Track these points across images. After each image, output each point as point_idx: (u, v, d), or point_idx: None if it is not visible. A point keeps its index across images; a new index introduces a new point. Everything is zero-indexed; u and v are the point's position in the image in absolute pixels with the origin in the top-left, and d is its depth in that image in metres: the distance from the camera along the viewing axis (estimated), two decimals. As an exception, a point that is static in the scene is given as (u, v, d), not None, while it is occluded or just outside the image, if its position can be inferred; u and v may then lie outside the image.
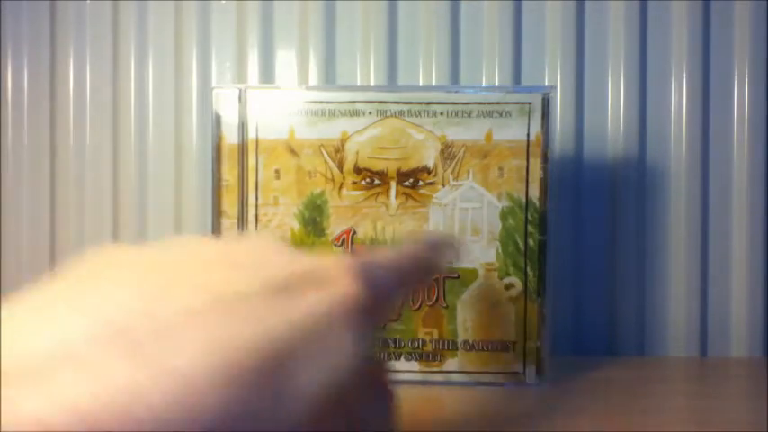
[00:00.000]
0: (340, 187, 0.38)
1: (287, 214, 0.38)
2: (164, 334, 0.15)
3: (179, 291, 0.17)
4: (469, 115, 0.38)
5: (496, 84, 0.50)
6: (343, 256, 0.20)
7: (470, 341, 0.38)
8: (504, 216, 0.38)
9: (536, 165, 0.38)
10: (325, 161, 0.38)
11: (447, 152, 0.38)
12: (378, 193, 0.38)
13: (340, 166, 0.38)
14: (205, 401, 0.15)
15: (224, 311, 0.16)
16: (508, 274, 0.38)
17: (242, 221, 0.38)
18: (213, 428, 0.15)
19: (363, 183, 0.38)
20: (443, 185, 0.38)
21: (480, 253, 0.38)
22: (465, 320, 0.38)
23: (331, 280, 0.19)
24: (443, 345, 0.38)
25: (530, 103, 0.38)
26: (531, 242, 0.38)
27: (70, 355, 0.15)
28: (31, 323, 0.16)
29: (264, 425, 0.16)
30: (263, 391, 0.16)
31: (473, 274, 0.38)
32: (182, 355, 0.15)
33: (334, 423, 0.19)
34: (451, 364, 0.38)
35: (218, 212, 0.38)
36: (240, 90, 0.38)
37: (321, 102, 0.38)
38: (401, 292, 0.23)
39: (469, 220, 0.38)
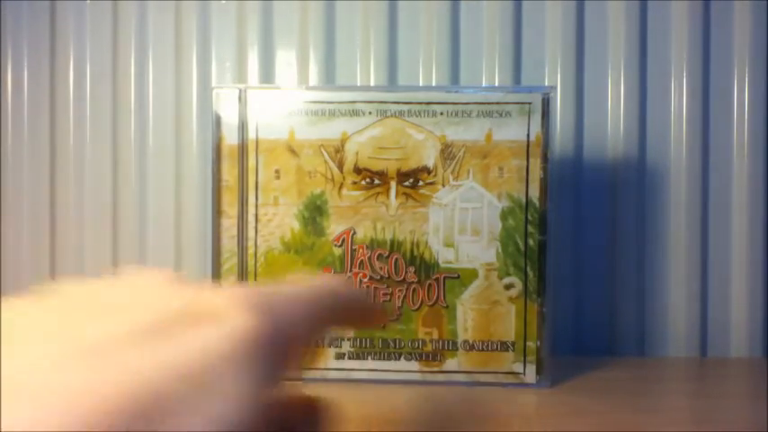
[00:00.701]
0: (340, 187, 0.38)
1: (287, 214, 0.38)
2: (24, 387, 0.14)
3: (43, 342, 0.16)
4: (469, 115, 0.38)
5: (496, 84, 0.50)
6: (238, 288, 0.18)
7: (470, 341, 0.38)
8: (504, 216, 0.38)
9: (536, 165, 0.38)
10: (326, 161, 0.38)
11: (447, 152, 0.38)
12: (378, 193, 0.38)
13: (340, 167, 0.38)
14: None
15: (89, 361, 0.15)
16: (508, 274, 0.38)
17: (242, 221, 0.38)
18: None
19: (363, 183, 0.38)
20: (443, 185, 0.38)
21: (480, 253, 0.38)
22: (465, 320, 0.38)
23: (220, 314, 0.17)
24: (443, 345, 0.38)
25: (530, 103, 0.38)
26: (531, 242, 0.38)
27: None
28: None
29: None
30: None
31: (473, 274, 0.38)
32: (45, 408, 0.14)
33: None
34: (451, 364, 0.38)
35: (218, 212, 0.38)
36: (240, 90, 0.38)
37: (321, 102, 0.38)
38: (313, 325, 0.20)
39: (469, 220, 0.38)
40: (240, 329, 0.16)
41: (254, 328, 0.17)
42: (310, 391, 0.21)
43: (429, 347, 0.38)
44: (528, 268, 0.38)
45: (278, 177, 0.38)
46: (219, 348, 0.16)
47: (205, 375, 0.16)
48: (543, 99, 0.38)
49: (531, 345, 0.38)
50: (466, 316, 0.38)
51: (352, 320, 0.23)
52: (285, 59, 0.51)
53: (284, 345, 0.18)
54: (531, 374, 0.38)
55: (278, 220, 0.38)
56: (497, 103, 0.38)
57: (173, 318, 0.16)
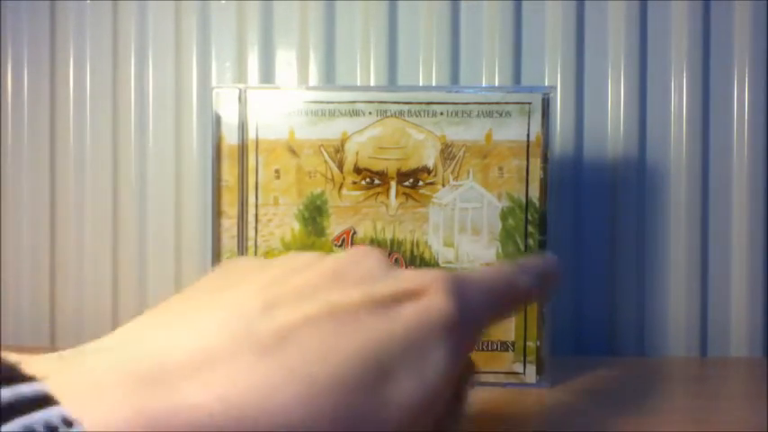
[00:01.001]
0: (340, 187, 0.38)
1: (287, 214, 0.38)
2: (285, 337, 0.17)
3: (295, 299, 0.19)
4: (469, 115, 0.38)
5: (496, 84, 0.50)
6: (439, 272, 0.21)
7: (470, 341, 0.38)
8: (504, 216, 0.38)
9: (536, 165, 0.38)
10: (326, 161, 0.38)
11: (447, 152, 0.38)
12: (378, 193, 0.38)
13: (340, 166, 0.38)
14: (326, 404, 0.16)
15: (336, 321, 0.18)
16: (508, 274, 0.38)
17: (242, 221, 0.38)
18: (332, 429, 0.16)
19: (363, 183, 0.38)
20: (443, 185, 0.38)
21: (480, 253, 0.38)
22: (465, 320, 0.38)
23: (427, 294, 0.20)
24: (443, 345, 0.38)
25: (530, 103, 0.38)
26: (531, 242, 0.38)
27: (207, 355, 0.16)
28: (167, 327, 0.18)
29: (369, 428, 0.17)
30: (369, 397, 0.17)
31: (473, 274, 0.38)
32: (306, 359, 0.17)
33: (425, 429, 0.20)
34: (451, 364, 0.38)
35: (218, 212, 0.38)
36: (240, 90, 0.38)
37: (321, 102, 0.38)
38: (491, 316, 0.23)
39: (469, 220, 0.38)
40: (442, 310, 0.20)
41: (450, 309, 0.20)
42: None
43: (429, 347, 0.38)
44: (528, 268, 0.38)
45: (278, 177, 0.38)
46: (429, 323, 0.19)
47: (417, 344, 0.19)
48: (543, 99, 0.38)
49: (531, 345, 0.38)
50: (466, 316, 0.38)
51: (522, 305, 0.28)
52: (285, 59, 0.51)
53: (468, 329, 0.21)
54: (531, 374, 0.38)
55: (278, 220, 0.38)
56: (497, 103, 0.38)
57: (397, 292, 0.20)
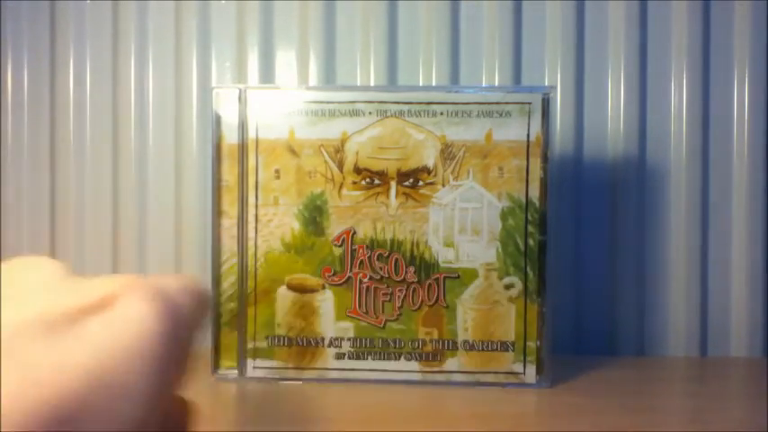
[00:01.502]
0: (340, 187, 0.38)
1: (287, 214, 0.38)
2: None
3: None
4: (469, 115, 0.38)
5: (496, 84, 0.50)
6: (132, 276, 0.17)
7: (470, 341, 0.38)
8: (504, 216, 0.38)
9: (536, 165, 0.38)
10: (325, 161, 0.38)
11: (447, 152, 0.38)
12: (378, 193, 0.38)
13: (340, 166, 0.38)
14: None
15: None
16: (508, 274, 0.38)
17: (242, 221, 0.38)
18: None
19: (363, 183, 0.38)
20: (443, 185, 0.38)
21: (480, 253, 0.38)
22: (465, 320, 0.38)
23: (122, 306, 0.16)
24: (443, 345, 0.38)
25: (530, 103, 0.38)
26: (531, 242, 0.38)
27: None
28: None
29: None
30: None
31: (473, 273, 0.38)
32: None
33: None
34: (451, 364, 0.38)
35: (218, 212, 0.38)
36: (240, 90, 0.38)
37: (321, 102, 0.38)
38: (198, 320, 0.19)
39: (469, 220, 0.38)
40: (142, 316, 0.16)
41: (155, 319, 0.16)
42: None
43: (429, 347, 0.38)
44: (528, 268, 0.38)
45: (278, 177, 0.38)
46: (123, 343, 0.15)
47: (109, 373, 0.15)
48: (543, 99, 0.38)
49: (531, 345, 0.38)
50: (466, 316, 0.38)
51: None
52: (285, 59, 0.51)
53: (183, 337, 0.17)
54: (531, 374, 0.38)
55: (278, 220, 0.38)
56: (497, 103, 0.38)
57: (73, 310, 0.15)
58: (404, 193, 0.38)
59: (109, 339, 0.15)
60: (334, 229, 0.38)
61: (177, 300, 0.17)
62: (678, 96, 0.50)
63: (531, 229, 0.38)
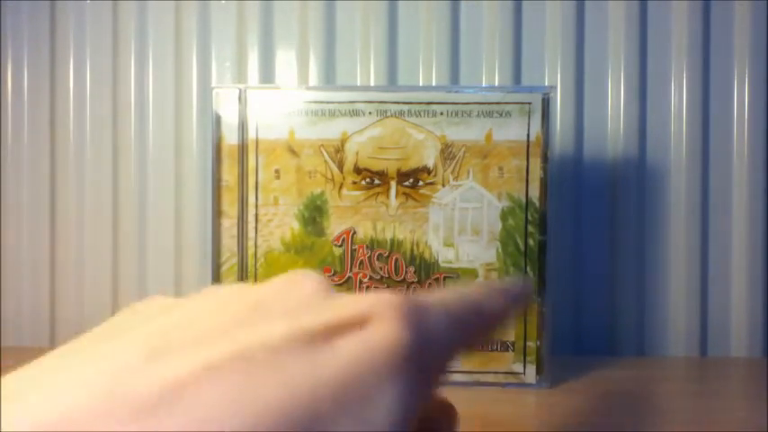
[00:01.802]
0: (340, 187, 0.38)
1: (287, 214, 0.38)
2: (174, 394, 0.13)
3: (194, 346, 0.15)
4: (469, 115, 0.38)
5: (496, 84, 0.50)
6: (389, 295, 0.17)
7: (470, 341, 0.38)
8: (504, 216, 0.38)
9: (536, 165, 0.38)
10: (326, 161, 0.38)
11: (447, 152, 0.38)
12: (378, 193, 0.38)
13: (340, 166, 0.38)
14: None
15: (246, 367, 0.14)
16: (508, 274, 0.38)
17: (242, 221, 0.38)
18: None
19: (363, 183, 0.38)
20: (443, 185, 0.38)
21: (480, 253, 0.38)
22: (465, 320, 0.38)
23: (373, 322, 0.16)
24: (443, 345, 0.38)
25: (530, 103, 0.38)
26: (531, 242, 0.38)
27: (69, 424, 0.13)
28: (32, 394, 0.14)
29: None
30: None
31: (473, 273, 0.38)
32: (203, 418, 0.13)
33: None
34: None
35: (218, 212, 0.38)
36: (240, 90, 0.38)
37: (321, 102, 0.38)
38: (456, 346, 0.19)
39: (469, 220, 0.38)
40: (394, 340, 0.16)
41: (406, 339, 0.16)
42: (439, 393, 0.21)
43: (429, 347, 0.38)
44: (528, 268, 0.38)
45: (278, 177, 0.38)
46: (374, 358, 0.15)
47: (357, 387, 0.15)
48: (543, 99, 0.38)
49: (531, 345, 0.38)
50: (466, 316, 0.38)
51: (491, 334, 0.23)
52: (285, 59, 0.51)
53: (433, 361, 0.17)
54: (531, 374, 0.38)
55: (278, 220, 0.38)
56: (497, 103, 0.38)
57: (333, 325, 0.16)
58: (404, 193, 0.38)
59: (360, 355, 0.15)
60: (334, 229, 0.38)
61: (434, 325, 0.17)
62: (678, 96, 0.50)
63: (531, 229, 0.38)
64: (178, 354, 0.14)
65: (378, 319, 0.16)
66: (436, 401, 0.21)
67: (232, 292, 0.18)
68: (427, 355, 0.17)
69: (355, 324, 0.16)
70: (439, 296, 0.19)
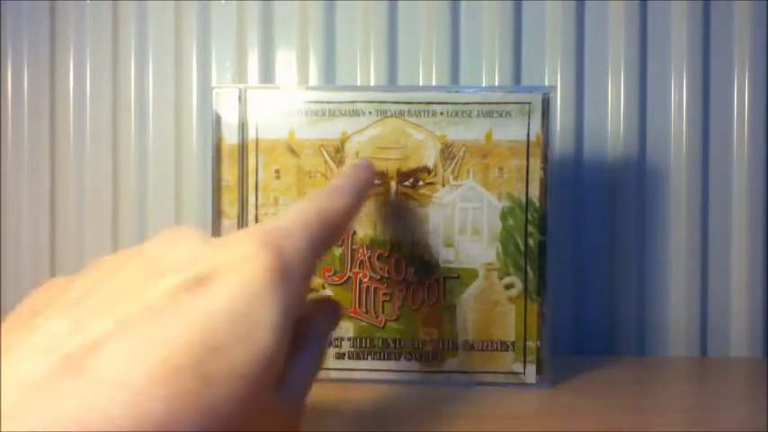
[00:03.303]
0: (340, 187, 0.38)
1: (287, 214, 0.38)
2: (97, 348, 0.17)
3: (107, 306, 0.18)
4: (469, 115, 0.38)
5: (496, 84, 0.50)
6: (253, 231, 0.21)
7: (470, 341, 0.38)
8: (504, 216, 0.38)
9: (536, 165, 0.38)
10: (326, 161, 0.38)
11: (447, 152, 0.38)
12: (378, 193, 0.38)
13: (340, 166, 0.38)
14: (153, 406, 0.16)
15: (153, 315, 0.18)
16: (508, 274, 0.38)
17: (242, 221, 0.38)
18: (168, 428, 0.16)
19: (363, 183, 0.38)
20: (443, 185, 0.38)
21: (480, 253, 0.38)
22: (465, 320, 0.38)
23: (245, 258, 0.20)
24: (443, 345, 0.38)
25: (530, 103, 0.38)
26: (531, 242, 0.38)
27: (25, 389, 0.16)
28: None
29: (207, 410, 0.17)
30: (199, 381, 0.17)
31: (473, 274, 0.38)
32: (121, 365, 0.16)
33: (267, 393, 0.20)
34: (451, 364, 0.38)
35: (218, 212, 0.38)
36: (240, 90, 0.38)
37: (321, 102, 0.38)
38: (315, 250, 0.23)
39: (469, 220, 0.38)
40: (260, 264, 0.20)
41: (269, 260, 0.20)
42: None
43: (429, 347, 0.38)
44: (528, 268, 0.38)
45: (278, 177, 0.38)
46: (251, 287, 0.19)
47: (244, 314, 0.19)
48: (543, 99, 0.38)
49: (531, 345, 0.38)
50: (466, 316, 0.38)
51: (346, 224, 0.26)
52: (285, 59, 0.51)
53: (296, 269, 0.21)
54: (531, 374, 0.38)
55: (278, 220, 0.38)
56: (497, 103, 0.38)
57: (212, 265, 0.19)
58: (404, 193, 0.38)
59: (240, 284, 0.19)
60: (334, 229, 0.38)
61: (290, 240, 0.21)
62: (678, 96, 0.50)
63: (531, 229, 0.38)
64: (94, 318, 0.18)
65: (247, 256, 0.20)
66: (314, 301, 0.25)
67: (123, 258, 0.21)
68: (293, 270, 0.21)
69: (232, 264, 0.20)
70: (291, 216, 0.23)
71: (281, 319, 0.19)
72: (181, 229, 0.22)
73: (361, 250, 0.38)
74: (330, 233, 0.24)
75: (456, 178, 0.38)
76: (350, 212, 0.26)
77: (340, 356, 0.38)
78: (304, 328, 0.24)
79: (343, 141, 0.38)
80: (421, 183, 0.38)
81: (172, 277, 0.19)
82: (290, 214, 0.23)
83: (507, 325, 0.38)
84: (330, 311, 0.27)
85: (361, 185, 0.28)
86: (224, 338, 0.18)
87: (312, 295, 0.24)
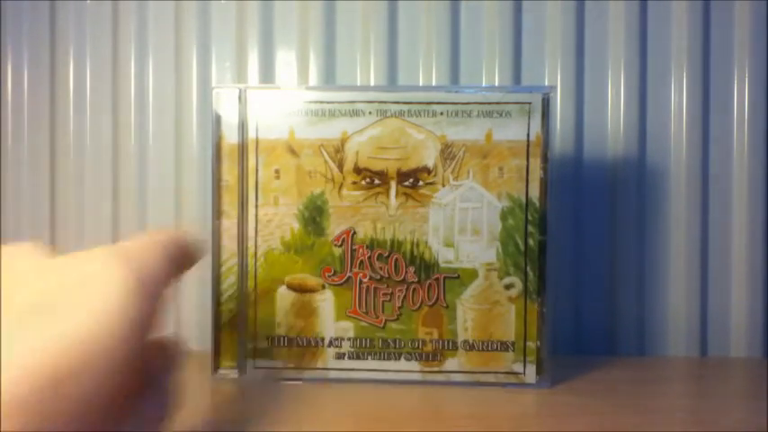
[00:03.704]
0: (340, 187, 0.38)
1: (287, 214, 0.38)
2: None
3: None
4: (469, 115, 0.38)
5: (496, 84, 0.50)
6: (107, 250, 0.22)
7: (470, 341, 0.38)
8: (504, 216, 0.38)
9: (536, 165, 0.38)
10: (326, 161, 0.38)
11: (447, 152, 0.38)
12: (378, 193, 0.38)
13: (340, 166, 0.38)
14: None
15: (25, 337, 0.18)
16: (508, 274, 0.38)
17: (242, 221, 0.38)
18: None
19: (363, 183, 0.38)
20: (443, 185, 0.38)
21: (480, 253, 0.38)
22: (465, 320, 0.38)
23: (100, 276, 0.21)
24: (443, 345, 0.38)
25: (530, 103, 0.38)
26: (531, 242, 0.38)
27: None
28: None
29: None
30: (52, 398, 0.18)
31: (473, 274, 0.38)
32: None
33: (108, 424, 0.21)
34: (451, 364, 0.38)
35: (218, 212, 0.38)
36: (240, 90, 0.38)
37: (321, 102, 0.38)
38: (169, 272, 0.24)
39: (469, 220, 0.38)
40: (115, 287, 0.21)
41: (125, 282, 0.21)
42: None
43: (429, 347, 0.38)
44: (528, 268, 0.38)
45: (278, 177, 0.38)
46: (107, 305, 0.20)
47: (102, 327, 0.19)
48: (543, 99, 0.38)
49: (531, 345, 0.38)
50: (466, 316, 0.38)
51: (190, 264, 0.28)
52: (285, 59, 0.51)
53: (151, 289, 0.22)
54: (531, 374, 0.38)
55: (278, 220, 0.38)
56: (497, 103, 0.38)
57: (59, 289, 0.20)
58: (404, 193, 0.38)
59: (98, 304, 0.20)
60: (334, 229, 0.38)
61: (144, 261, 0.22)
62: (678, 96, 0.50)
63: (531, 229, 0.38)
64: None
65: (101, 276, 0.21)
66: (155, 341, 0.26)
67: None
68: (144, 289, 0.21)
69: (87, 282, 0.20)
70: (145, 238, 0.24)
71: (128, 347, 0.20)
72: (21, 247, 0.22)
73: (361, 250, 0.38)
74: (183, 255, 0.26)
75: (456, 178, 0.38)
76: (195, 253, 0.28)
77: (340, 356, 0.38)
78: (148, 366, 0.25)
79: (343, 141, 0.38)
80: (421, 183, 0.38)
81: (21, 297, 0.19)
82: (143, 237, 0.24)
83: (507, 325, 0.38)
84: (170, 353, 0.27)
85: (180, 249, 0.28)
86: (76, 359, 0.18)
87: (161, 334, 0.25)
